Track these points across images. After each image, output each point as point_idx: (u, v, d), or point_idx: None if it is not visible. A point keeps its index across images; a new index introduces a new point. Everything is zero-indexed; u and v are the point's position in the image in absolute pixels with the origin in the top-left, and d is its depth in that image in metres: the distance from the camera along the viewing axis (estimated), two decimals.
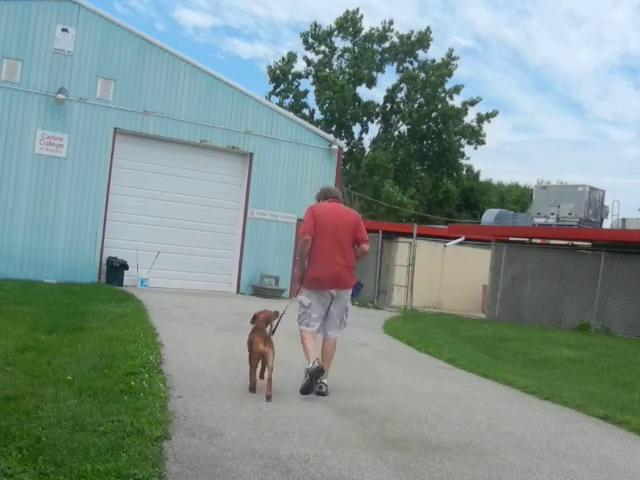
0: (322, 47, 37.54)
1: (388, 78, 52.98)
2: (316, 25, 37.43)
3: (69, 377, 5.44)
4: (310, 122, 28.38)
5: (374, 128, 39.53)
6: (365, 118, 38.12)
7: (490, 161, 72.49)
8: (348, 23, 36.86)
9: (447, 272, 20.93)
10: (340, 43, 37.53)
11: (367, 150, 38.29)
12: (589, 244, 17.87)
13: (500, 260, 18.12)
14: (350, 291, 6.44)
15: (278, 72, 37.71)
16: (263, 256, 17.52)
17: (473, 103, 37.05)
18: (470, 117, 37.16)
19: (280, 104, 34.83)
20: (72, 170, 15.26)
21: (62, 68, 15.14)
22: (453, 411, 5.86)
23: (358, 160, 37.61)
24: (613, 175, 72.50)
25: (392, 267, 20.12)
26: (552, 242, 18.86)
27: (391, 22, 37.27)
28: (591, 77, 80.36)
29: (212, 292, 16.59)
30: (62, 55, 15.15)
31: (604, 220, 18.93)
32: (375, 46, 37.23)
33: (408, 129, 38.13)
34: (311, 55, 37.69)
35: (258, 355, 5.83)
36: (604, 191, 18.85)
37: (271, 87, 38.12)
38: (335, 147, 18.78)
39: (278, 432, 4.70)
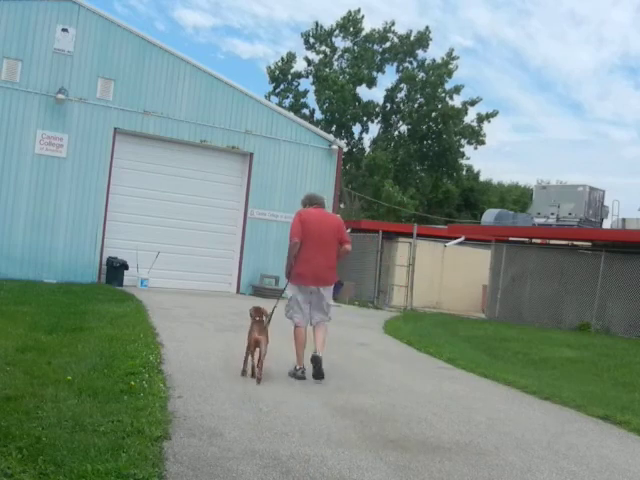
0: (323, 47, 37.53)
1: (388, 78, 53.02)
2: (318, 25, 37.44)
3: (69, 377, 5.44)
4: (310, 122, 28.36)
5: (374, 128, 39.53)
6: (365, 118, 38.08)
7: (490, 161, 72.52)
8: (349, 23, 36.85)
9: (447, 272, 20.94)
10: (340, 43, 37.55)
11: (367, 150, 38.26)
12: (589, 244, 17.87)
13: (500, 260, 18.12)
14: (331, 288, 7.17)
15: (278, 72, 37.69)
16: (263, 256, 17.51)
17: (473, 103, 37.01)
18: (470, 117, 37.13)
19: (280, 104, 34.81)
20: (72, 170, 15.26)
21: (62, 68, 15.14)
22: (453, 411, 5.86)
23: (358, 160, 37.58)
24: (613, 175, 72.54)
25: (392, 267, 20.12)
26: (552, 242, 18.85)
27: (392, 23, 37.27)
28: (591, 77, 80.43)
29: (212, 292, 16.59)
30: (62, 55, 15.15)
31: (604, 220, 18.93)
32: (376, 46, 37.21)
33: (408, 129, 38.10)
34: (312, 55, 37.71)
35: (254, 342, 6.41)
36: (604, 191, 18.86)
37: (271, 87, 38.14)
38: (335, 147, 18.78)
39: (278, 432, 4.70)
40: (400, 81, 37.26)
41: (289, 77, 37.90)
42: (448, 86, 36.60)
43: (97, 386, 5.25)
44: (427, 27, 37.33)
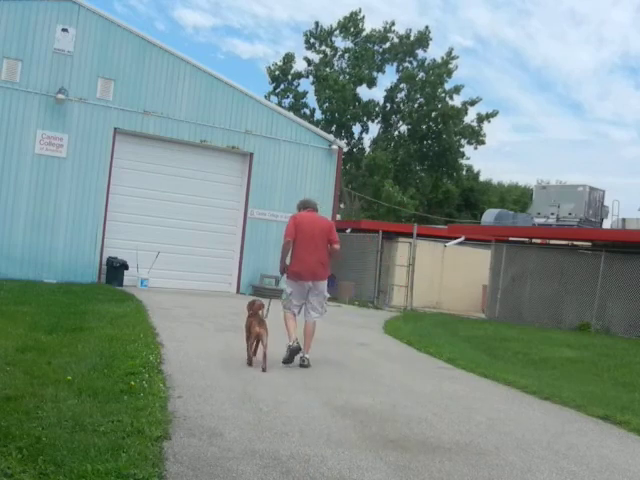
0: (323, 47, 37.53)
1: (388, 78, 53.00)
2: (318, 25, 37.43)
3: (69, 377, 5.44)
4: (310, 122, 28.33)
5: (374, 128, 39.49)
6: (365, 118, 38.06)
7: (490, 161, 72.53)
8: (350, 23, 36.85)
9: (447, 272, 20.93)
10: (341, 43, 37.54)
11: (367, 150, 38.25)
12: (589, 244, 17.87)
13: (500, 260, 18.12)
14: (325, 282, 7.89)
15: (277, 72, 37.68)
16: (263, 256, 17.50)
17: (473, 103, 36.99)
18: (470, 117, 37.09)
19: (280, 104, 34.80)
20: (72, 170, 15.26)
21: (62, 68, 15.14)
22: (453, 411, 5.86)
23: (358, 160, 37.56)
24: (613, 175, 72.53)
25: (392, 267, 20.12)
26: (552, 242, 18.85)
27: (392, 23, 37.25)
28: (591, 77, 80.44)
29: (212, 292, 16.58)
30: (62, 55, 15.15)
31: (604, 220, 18.93)
32: (376, 46, 37.19)
33: (408, 129, 38.07)
34: (312, 55, 37.70)
35: (255, 335, 6.98)
36: (604, 191, 18.85)
37: (271, 87, 38.12)
38: (335, 147, 18.77)
39: (278, 432, 4.70)
40: (400, 81, 37.24)
41: (289, 77, 37.88)
42: (448, 86, 36.59)
43: (97, 386, 5.25)
44: (427, 27, 37.34)
